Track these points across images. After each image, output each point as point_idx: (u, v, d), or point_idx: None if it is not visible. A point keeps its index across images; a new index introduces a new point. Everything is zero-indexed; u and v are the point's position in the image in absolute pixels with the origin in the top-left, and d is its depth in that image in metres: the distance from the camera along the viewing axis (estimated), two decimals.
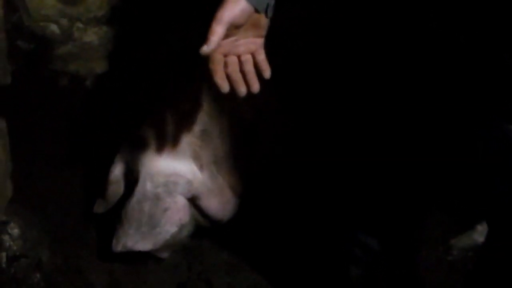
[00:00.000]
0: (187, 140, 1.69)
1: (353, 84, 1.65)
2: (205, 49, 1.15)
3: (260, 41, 1.23)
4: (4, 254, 1.63)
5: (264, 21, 1.21)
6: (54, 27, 2.19)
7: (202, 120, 1.70)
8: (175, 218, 1.68)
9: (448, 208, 1.90)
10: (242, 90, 1.20)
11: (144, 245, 1.67)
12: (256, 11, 1.18)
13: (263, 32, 1.23)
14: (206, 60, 1.18)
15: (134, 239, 1.66)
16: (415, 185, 1.51)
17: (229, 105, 1.71)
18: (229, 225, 1.85)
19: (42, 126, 2.05)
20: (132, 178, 1.71)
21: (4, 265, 1.62)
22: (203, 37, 1.15)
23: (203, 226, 1.81)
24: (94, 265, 1.77)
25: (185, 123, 1.69)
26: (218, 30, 1.15)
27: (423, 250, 1.83)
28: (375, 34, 1.32)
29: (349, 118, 1.68)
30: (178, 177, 1.67)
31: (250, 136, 1.78)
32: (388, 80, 1.34)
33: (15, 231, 1.68)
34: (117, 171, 1.76)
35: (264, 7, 1.18)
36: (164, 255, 1.78)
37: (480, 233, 1.83)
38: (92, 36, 2.22)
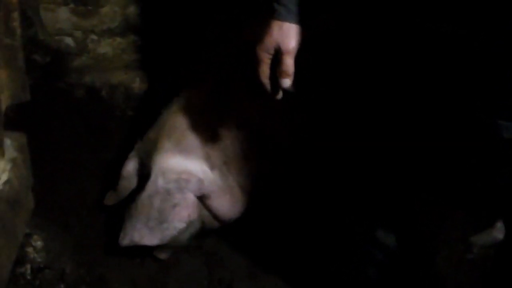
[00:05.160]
0: (199, 141, 1.73)
1: (358, 83, 1.65)
2: (287, 83, 1.23)
3: None
4: (28, 266, 1.66)
5: None
6: (68, 40, 2.22)
7: (213, 122, 1.73)
8: (183, 214, 1.69)
9: (467, 206, 1.90)
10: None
11: (151, 240, 1.67)
12: None
13: None
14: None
15: (141, 233, 1.67)
16: (434, 185, 1.51)
17: (238, 106, 1.74)
18: (249, 229, 1.87)
19: (61, 138, 2.08)
20: (144, 174, 1.75)
21: (29, 277, 1.65)
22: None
23: (210, 228, 1.82)
24: (117, 274, 1.78)
25: (197, 125, 1.74)
26: (292, 62, 1.22)
27: (443, 249, 1.82)
28: (375, 34, 1.31)
29: (360, 114, 1.68)
30: (190, 175, 1.70)
31: (259, 136, 1.79)
32: (390, 79, 1.33)
33: (39, 243, 1.71)
34: (130, 166, 1.80)
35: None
36: (164, 255, 1.80)
37: (499, 230, 1.81)
38: (106, 47, 2.25)
